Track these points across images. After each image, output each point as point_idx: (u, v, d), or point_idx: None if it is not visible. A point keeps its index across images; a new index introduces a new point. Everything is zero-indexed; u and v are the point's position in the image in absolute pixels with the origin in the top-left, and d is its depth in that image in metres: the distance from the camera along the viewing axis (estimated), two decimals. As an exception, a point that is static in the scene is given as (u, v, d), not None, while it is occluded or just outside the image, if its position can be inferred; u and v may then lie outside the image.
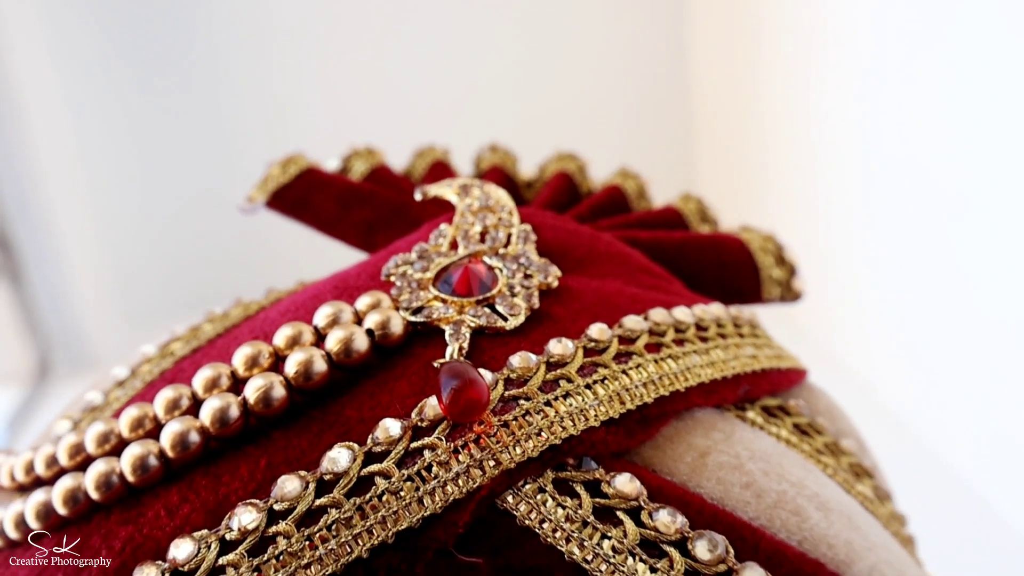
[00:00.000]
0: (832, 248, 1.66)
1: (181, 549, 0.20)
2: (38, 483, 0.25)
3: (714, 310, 0.28)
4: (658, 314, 0.25)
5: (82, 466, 0.23)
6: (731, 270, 0.35)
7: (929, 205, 1.31)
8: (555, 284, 0.25)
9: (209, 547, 0.20)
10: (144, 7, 1.99)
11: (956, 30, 1.19)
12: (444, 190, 0.30)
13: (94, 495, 0.22)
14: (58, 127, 2.00)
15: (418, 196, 0.31)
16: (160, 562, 0.20)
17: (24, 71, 1.86)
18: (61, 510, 0.23)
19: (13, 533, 0.24)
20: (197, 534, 0.20)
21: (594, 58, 2.24)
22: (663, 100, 2.26)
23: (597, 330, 0.23)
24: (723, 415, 0.25)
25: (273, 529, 0.20)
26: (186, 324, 0.30)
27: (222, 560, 0.20)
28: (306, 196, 0.35)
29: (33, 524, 0.23)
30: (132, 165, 2.14)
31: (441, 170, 0.39)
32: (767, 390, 0.27)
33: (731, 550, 0.20)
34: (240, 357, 0.23)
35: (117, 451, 0.23)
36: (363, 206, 0.34)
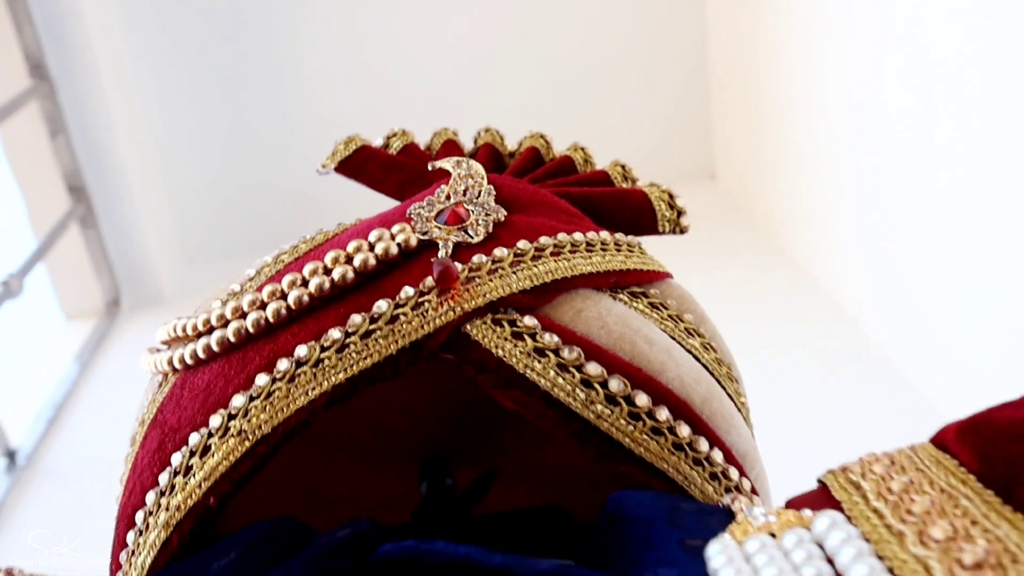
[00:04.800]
0: (825, 193, 1.81)
1: (300, 350, 0.39)
2: (199, 336, 0.45)
3: (602, 235, 0.47)
4: (562, 236, 0.44)
5: (242, 316, 0.43)
6: (635, 213, 0.54)
7: (915, 153, 1.45)
8: (503, 219, 0.45)
9: (315, 350, 0.39)
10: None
11: None
12: (446, 164, 0.49)
13: (251, 329, 0.42)
14: (126, 84, 2.16)
15: (431, 167, 0.51)
16: (289, 358, 0.40)
17: (94, 31, 2.00)
18: (231, 339, 0.42)
19: (190, 360, 0.44)
20: (308, 343, 0.40)
21: (613, 23, 2.37)
22: (679, 58, 2.40)
23: (522, 244, 0.43)
24: (598, 293, 0.44)
25: (347, 340, 0.39)
26: (288, 244, 0.49)
27: (323, 355, 0.39)
28: (361, 164, 0.55)
29: (216, 350, 0.43)
30: (193, 119, 2.33)
31: (450, 146, 0.59)
32: (632, 281, 0.46)
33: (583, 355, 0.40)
34: (329, 257, 0.42)
35: (263, 307, 0.42)
36: (398, 172, 0.54)
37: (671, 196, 0.55)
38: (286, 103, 2.38)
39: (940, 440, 0.32)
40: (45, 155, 2.00)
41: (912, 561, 0.26)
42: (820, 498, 0.32)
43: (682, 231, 0.55)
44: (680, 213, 0.55)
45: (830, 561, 0.28)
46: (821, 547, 0.29)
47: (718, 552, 0.29)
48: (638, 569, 0.31)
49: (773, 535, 0.30)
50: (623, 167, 0.58)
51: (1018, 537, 0.25)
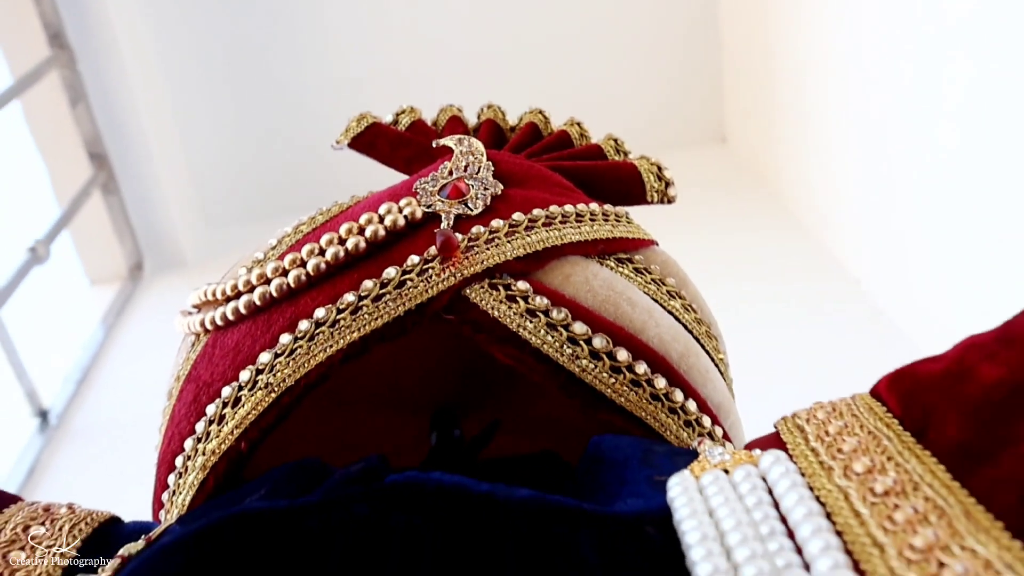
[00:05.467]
0: (832, 157, 1.84)
1: (318, 312, 0.44)
2: (228, 300, 0.50)
3: (591, 206, 0.51)
4: (554, 208, 0.49)
5: (266, 282, 0.48)
6: (625, 184, 0.58)
7: (922, 119, 1.47)
8: (500, 193, 0.49)
9: (332, 312, 0.44)
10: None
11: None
12: (448, 142, 0.54)
13: (275, 294, 0.47)
14: (144, 51, 2.20)
15: (435, 144, 0.55)
16: (309, 319, 0.45)
17: (113, 4, 2.02)
18: (257, 303, 0.47)
19: (220, 322, 0.49)
20: (325, 306, 0.45)
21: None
22: (691, 21, 2.42)
23: (517, 215, 0.47)
24: (586, 259, 0.48)
25: (360, 303, 0.44)
26: (306, 215, 0.54)
27: (339, 317, 0.44)
28: (372, 141, 0.60)
29: (243, 312, 0.48)
30: (210, 85, 2.37)
31: (455, 122, 0.63)
32: (618, 248, 0.51)
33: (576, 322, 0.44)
34: (343, 228, 0.47)
35: (285, 274, 0.47)
36: (405, 148, 0.59)
37: (660, 168, 0.60)
38: (303, 69, 2.42)
39: (875, 390, 0.37)
40: (66, 123, 2.05)
41: (835, 491, 0.31)
42: (772, 440, 0.37)
43: (670, 201, 0.60)
44: (668, 184, 0.60)
45: (771, 492, 0.33)
46: (765, 480, 0.33)
47: (676, 484, 0.34)
48: (612, 500, 0.36)
49: (727, 471, 0.35)
50: (616, 141, 0.62)
51: (922, 470, 0.30)
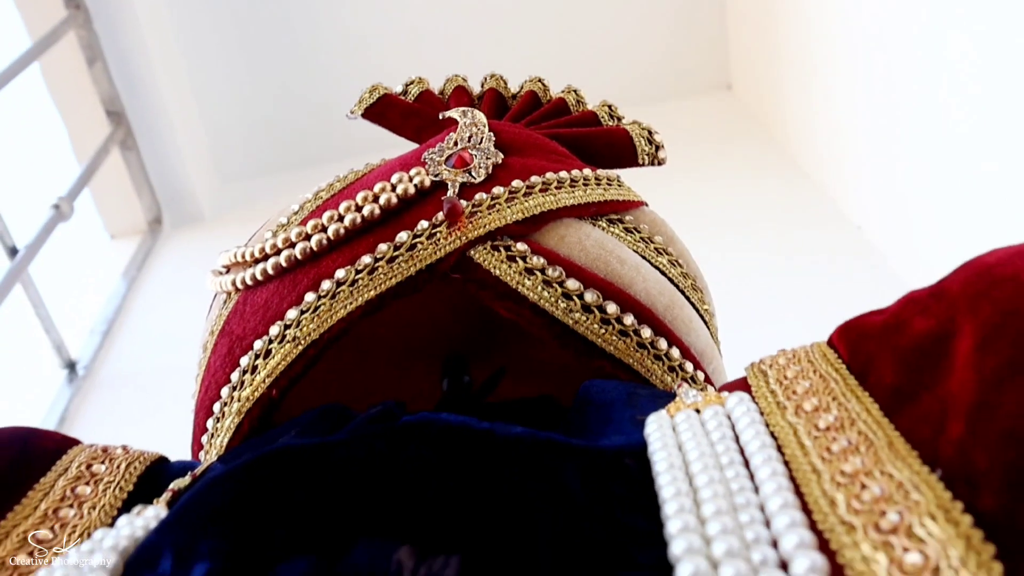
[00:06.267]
0: (835, 104, 1.87)
1: (339, 273, 0.49)
2: (257, 262, 0.55)
3: (584, 172, 0.56)
4: (550, 174, 0.54)
5: (291, 246, 0.53)
6: (617, 148, 0.63)
7: (926, 68, 1.50)
8: (500, 162, 0.54)
9: (351, 272, 0.49)
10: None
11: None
12: (454, 114, 0.59)
13: (299, 257, 0.52)
14: (158, 9, 2.23)
15: (442, 116, 0.60)
16: (331, 279, 0.50)
17: None
18: (283, 264, 0.52)
19: (250, 282, 0.54)
20: (345, 267, 0.50)
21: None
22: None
23: (516, 183, 0.52)
24: (579, 221, 0.53)
25: (376, 264, 0.49)
26: (325, 183, 0.59)
27: (357, 277, 0.49)
28: (383, 111, 0.64)
29: (271, 273, 0.53)
30: (225, 46, 2.40)
31: (460, 91, 0.68)
32: (610, 210, 0.55)
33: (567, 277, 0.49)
34: (359, 196, 0.52)
35: (308, 239, 0.52)
36: (415, 118, 0.63)
37: (650, 132, 0.64)
38: (315, 26, 2.45)
39: (830, 339, 0.42)
40: (84, 83, 2.09)
41: (787, 426, 0.36)
42: (740, 383, 0.42)
43: (660, 163, 0.64)
44: (658, 147, 0.64)
45: (734, 428, 0.38)
46: (729, 418, 0.39)
47: (653, 422, 0.39)
48: (597, 437, 0.41)
49: (698, 411, 0.40)
50: (610, 107, 0.67)
51: (860, 408, 0.35)
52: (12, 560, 0.37)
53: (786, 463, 0.34)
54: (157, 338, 1.88)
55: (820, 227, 1.86)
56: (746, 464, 0.35)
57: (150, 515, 0.38)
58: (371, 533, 0.30)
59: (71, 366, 1.76)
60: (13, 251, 1.61)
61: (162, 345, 1.85)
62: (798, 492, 0.33)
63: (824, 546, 0.30)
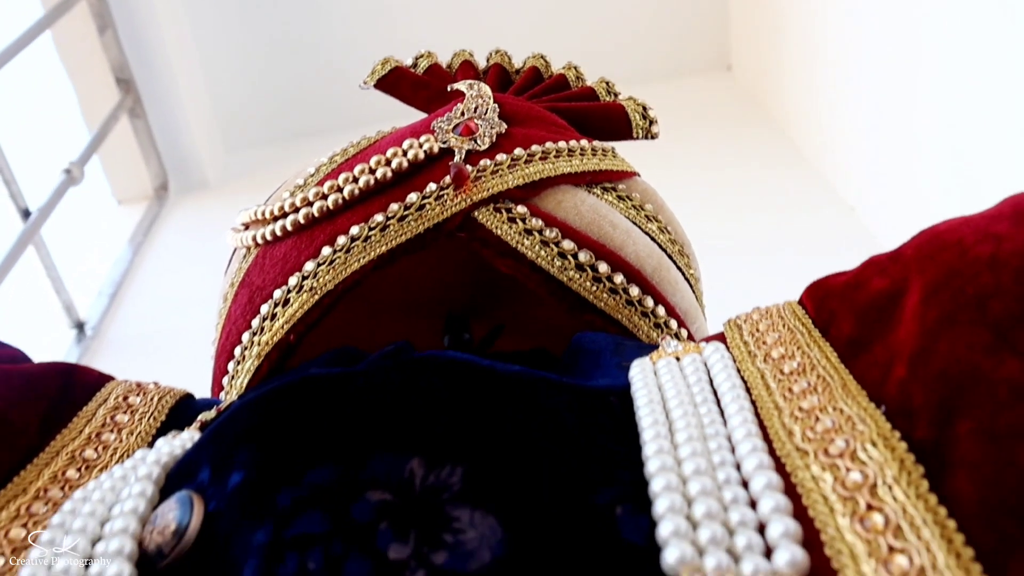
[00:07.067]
0: (834, 85, 1.90)
1: (353, 229, 0.54)
2: (276, 219, 0.59)
3: (582, 143, 0.60)
4: (549, 144, 0.58)
5: (309, 204, 0.57)
6: (613, 122, 0.67)
7: (924, 52, 1.52)
8: (504, 131, 0.58)
9: (364, 229, 0.54)
10: None
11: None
12: (461, 86, 0.63)
13: (316, 214, 0.56)
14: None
15: (449, 88, 0.64)
16: (345, 235, 0.54)
17: None
18: (301, 221, 0.57)
19: (270, 237, 0.58)
20: (359, 224, 0.54)
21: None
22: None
23: (518, 151, 0.56)
24: (575, 188, 0.58)
25: (387, 222, 0.53)
26: (339, 148, 0.63)
27: (370, 233, 0.53)
28: (395, 83, 0.69)
29: (289, 229, 0.57)
30: (232, 16, 2.43)
31: (467, 66, 0.72)
32: (604, 179, 0.60)
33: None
34: (373, 160, 0.56)
35: (324, 198, 0.56)
36: (424, 89, 0.68)
37: (645, 108, 0.69)
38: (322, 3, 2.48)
39: (801, 297, 0.46)
40: (95, 51, 2.12)
41: (756, 371, 0.41)
42: (718, 337, 0.47)
43: (653, 137, 0.69)
44: (652, 122, 0.68)
45: (709, 373, 0.42)
46: (706, 365, 0.43)
47: (636, 366, 0.43)
48: (586, 379, 0.46)
49: (678, 358, 0.44)
50: (607, 83, 0.71)
51: (820, 356, 0.39)
52: (63, 474, 0.41)
53: (753, 402, 0.39)
54: (162, 301, 1.93)
55: (815, 208, 1.90)
56: (718, 403, 0.40)
57: (185, 437, 0.42)
58: (387, 448, 0.35)
59: (80, 326, 1.81)
60: (26, 213, 1.65)
61: (167, 308, 1.90)
62: (761, 426, 0.37)
63: (781, 469, 0.34)
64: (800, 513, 0.32)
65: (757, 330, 0.44)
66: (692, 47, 2.59)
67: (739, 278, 1.59)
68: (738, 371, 0.42)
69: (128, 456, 0.43)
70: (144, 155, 2.28)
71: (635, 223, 0.59)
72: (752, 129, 2.28)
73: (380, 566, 0.30)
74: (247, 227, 0.62)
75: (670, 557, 0.30)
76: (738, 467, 0.35)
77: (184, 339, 1.76)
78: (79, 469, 0.42)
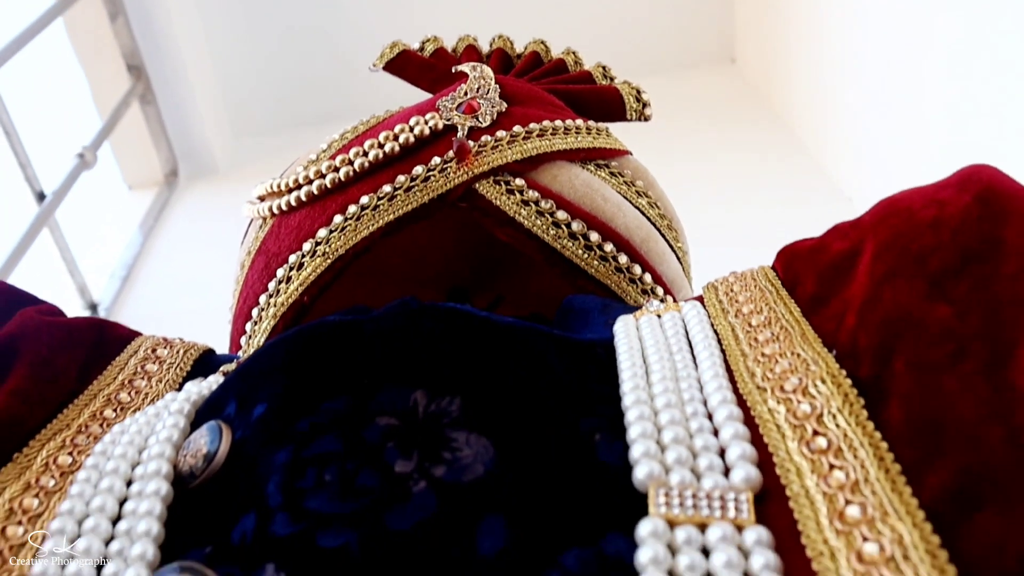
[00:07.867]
0: (833, 77, 1.93)
1: (363, 199, 0.58)
2: (291, 191, 0.64)
3: (577, 122, 0.64)
4: (546, 123, 0.62)
5: (322, 176, 0.61)
6: (608, 104, 0.72)
7: (925, 45, 1.55)
8: (504, 110, 0.63)
9: (374, 199, 0.58)
10: None
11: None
12: (465, 68, 0.67)
13: (329, 186, 0.60)
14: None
15: (454, 70, 0.69)
16: (356, 204, 0.58)
17: None
18: (315, 192, 0.61)
19: (284, 208, 0.63)
20: (369, 195, 0.58)
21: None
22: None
23: (517, 128, 0.61)
24: (570, 164, 0.62)
25: (395, 192, 0.58)
26: (350, 126, 0.68)
27: (379, 203, 0.58)
28: (403, 65, 0.73)
29: (303, 199, 0.61)
30: (243, 4, 2.46)
31: (470, 50, 0.76)
32: (598, 156, 0.64)
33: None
34: (381, 136, 0.60)
35: (336, 171, 0.61)
36: (430, 72, 0.72)
37: (639, 91, 0.73)
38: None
39: (774, 262, 0.50)
40: (106, 37, 2.16)
41: (727, 325, 0.45)
42: (696, 298, 0.51)
43: (646, 119, 0.73)
44: (645, 105, 0.73)
45: (686, 328, 0.47)
46: (684, 321, 0.47)
47: (620, 322, 0.48)
48: (575, 334, 0.50)
49: (659, 316, 0.49)
50: (604, 68, 0.75)
51: (784, 311, 0.44)
52: (101, 413, 0.45)
53: (723, 350, 0.43)
54: (172, 284, 1.97)
55: (813, 200, 1.94)
56: (692, 353, 0.44)
57: (211, 380, 0.47)
58: (394, 382, 0.39)
59: (93, 308, 1.85)
60: (41, 196, 1.69)
61: (177, 290, 1.94)
62: (729, 370, 0.41)
63: (742, 404, 0.39)
64: (757, 440, 0.36)
65: (731, 290, 0.49)
66: (696, 40, 2.63)
67: (739, 266, 1.62)
68: (712, 325, 0.46)
69: (159, 400, 0.48)
70: (155, 141, 2.32)
71: (626, 197, 0.63)
72: (755, 122, 2.32)
73: (387, 478, 0.34)
74: (263, 199, 0.66)
75: (640, 473, 0.35)
76: (705, 403, 0.39)
77: (193, 320, 1.80)
78: (115, 410, 0.46)
